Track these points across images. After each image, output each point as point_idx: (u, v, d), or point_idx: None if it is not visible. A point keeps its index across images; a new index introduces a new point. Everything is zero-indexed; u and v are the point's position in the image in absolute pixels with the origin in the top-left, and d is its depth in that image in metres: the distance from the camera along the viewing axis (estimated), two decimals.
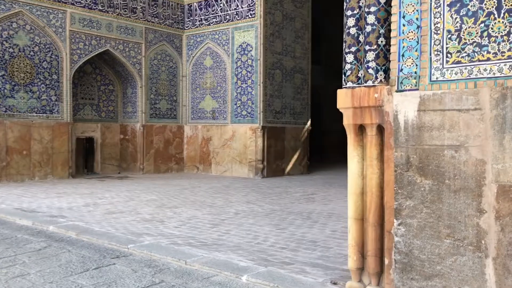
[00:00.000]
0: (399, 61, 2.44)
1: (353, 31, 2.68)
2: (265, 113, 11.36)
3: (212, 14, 12.26)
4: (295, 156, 12.36)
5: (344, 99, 2.70)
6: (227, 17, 11.92)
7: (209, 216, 5.84)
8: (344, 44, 2.75)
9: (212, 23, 12.27)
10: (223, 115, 12.12)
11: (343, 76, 2.75)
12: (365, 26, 2.60)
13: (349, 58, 2.69)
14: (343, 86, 2.76)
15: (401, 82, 2.44)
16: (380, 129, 2.61)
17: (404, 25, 2.42)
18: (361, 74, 2.65)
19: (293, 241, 4.48)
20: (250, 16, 11.46)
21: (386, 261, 2.51)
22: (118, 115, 12.47)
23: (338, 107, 2.77)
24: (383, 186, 2.56)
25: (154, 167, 12.29)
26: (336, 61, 19.58)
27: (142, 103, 12.05)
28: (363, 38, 2.63)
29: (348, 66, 2.71)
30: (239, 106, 11.71)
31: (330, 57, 17.59)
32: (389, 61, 2.54)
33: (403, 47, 2.43)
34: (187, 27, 12.88)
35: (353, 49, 2.68)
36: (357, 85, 2.67)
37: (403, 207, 2.38)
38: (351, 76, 2.69)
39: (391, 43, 2.49)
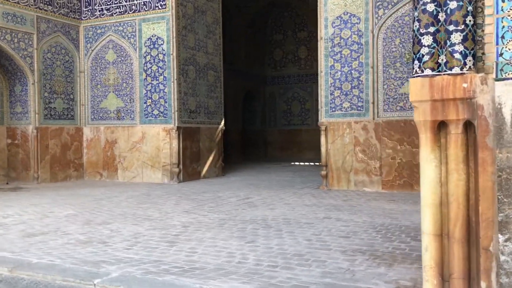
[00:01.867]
0: (497, 44, 2.07)
1: (430, 7, 2.24)
2: (179, 112, 10.57)
3: (115, 3, 11.09)
4: (211, 158, 11.74)
5: (419, 90, 2.26)
6: (133, 7, 10.87)
7: (156, 232, 5.03)
8: (417, 23, 2.30)
9: (115, 13, 11.11)
10: (130, 115, 11.04)
11: (415, 62, 2.30)
12: (447, 1, 2.19)
13: (427, 40, 2.25)
14: (415, 75, 2.32)
15: (501, 69, 2.07)
16: (466, 126, 2.22)
17: (503, 1, 2.05)
18: (442, 60, 2.23)
19: (276, 256, 3.94)
20: (160, 7, 10.56)
21: (483, 285, 2.12)
22: (4, 116, 10.71)
23: (411, 100, 2.32)
24: (470, 194, 2.18)
25: (50, 175, 10.77)
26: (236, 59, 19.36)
27: (35, 102, 10.47)
28: (444, 16, 2.21)
29: (425, 50, 2.26)
30: (150, 105, 10.75)
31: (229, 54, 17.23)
32: (477, 44, 2.15)
33: (503, 27, 2.06)
34: (84, 17, 11.51)
35: (431, 29, 2.24)
36: (437, 73, 2.24)
37: (511, 219, 2.01)
38: (430, 62, 2.25)
39: (486, 22, 2.11)
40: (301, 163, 16.29)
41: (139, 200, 7.65)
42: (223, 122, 12.29)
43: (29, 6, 10.25)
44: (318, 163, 16.01)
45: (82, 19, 11.49)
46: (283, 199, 7.49)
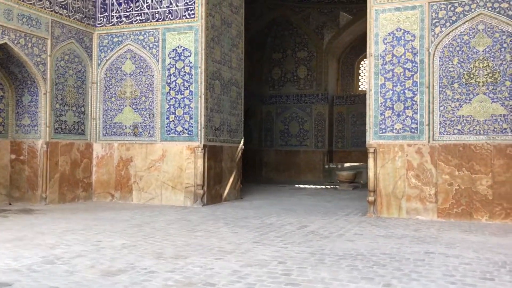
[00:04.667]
0: None
1: None
2: (205, 129, 9.79)
3: (136, 11, 10.29)
4: (231, 179, 10.95)
5: None
6: (157, 15, 10.10)
7: (257, 270, 4.24)
8: None
9: (135, 21, 10.30)
10: (149, 131, 10.16)
11: None
12: None
13: None
14: None
15: None
16: None
17: None
18: None
19: None
20: (188, 17, 9.84)
21: None
22: (9, 129, 9.62)
23: None
24: None
25: (58, 195, 9.70)
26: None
27: (46, 114, 9.46)
28: None
29: None
30: (173, 121, 9.92)
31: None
32: None
33: None
34: (99, 24, 10.64)
35: None
36: None
37: None
38: None
39: None
40: (307, 186, 15.70)
41: (183, 226, 6.79)
42: (242, 141, 11.57)
43: (45, 9, 9.33)
44: (326, 185, 15.53)
45: (96, 26, 10.61)
46: (344, 228, 6.81)
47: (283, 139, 19.24)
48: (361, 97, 19.08)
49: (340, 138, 19.61)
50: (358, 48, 19.63)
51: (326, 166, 18.28)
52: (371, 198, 8.35)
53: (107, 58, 10.56)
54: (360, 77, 20.49)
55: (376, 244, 5.52)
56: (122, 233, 6.11)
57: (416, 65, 8.17)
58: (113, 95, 10.52)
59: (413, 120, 8.15)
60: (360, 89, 20.10)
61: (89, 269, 4.18)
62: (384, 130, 8.32)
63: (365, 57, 19.63)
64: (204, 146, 9.69)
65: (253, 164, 19.31)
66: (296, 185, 15.93)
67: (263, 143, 19.53)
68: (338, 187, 15.01)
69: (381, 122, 8.35)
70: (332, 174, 18.04)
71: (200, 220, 7.51)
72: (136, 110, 10.30)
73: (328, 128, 18.65)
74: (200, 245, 5.36)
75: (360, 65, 20.29)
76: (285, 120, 19.26)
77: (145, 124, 10.20)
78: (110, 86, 10.54)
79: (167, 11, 10.01)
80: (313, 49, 19.07)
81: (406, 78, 8.21)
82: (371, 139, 8.40)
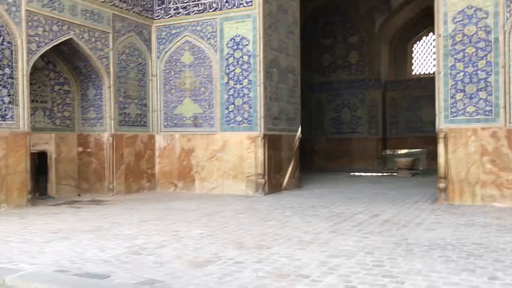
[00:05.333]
0: None
1: None
2: (265, 118, 9.71)
3: (192, 1, 10.30)
4: (290, 168, 10.85)
5: None
6: (214, 5, 10.07)
7: (347, 261, 4.13)
8: None
9: (192, 12, 10.30)
10: (209, 122, 10.20)
11: None
12: None
13: None
14: None
15: None
16: None
17: None
18: None
19: None
20: (245, 5, 9.74)
21: None
22: (76, 122, 9.91)
23: None
24: None
25: (125, 186, 9.93)
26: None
27: (111, 107, 9.66)
28: None
29: None
30: (232, 111, 9.90)
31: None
32: None
33: None
34: (157, 16, 10.73)
35: None
36: None
37: None
38: None
39: None
40: (362, 174, 15.39)
41: (253, 215, 6.77)
42: (299, 130, 11.42)
43: (106, 3, 9.48)
44: (382, 173, 15.15)
45: (154, 19, 10.71)
46: (419, 216, 6.57)
47: (334, 126, 18.90)
48: (415, 82, 18.46)
49: (394, 124, 19.03)
50: (411, 31, 18.97)
51: (383, 153, 17.85)
52: (442, 185, 8.03)
53: (166, 50, 10.64)
54: (413, 61, 19.79)
55: (461, 233, 5.28)
56: (195, 223, 6.14)
57: (489, 44, 7.73)
58: (173, 87, 10.61)
59: (487, 103, 7.75)
60: (413, 73, 19.42)
61: (176, 259, 4.20)
62: (455, 114, 7.96)
63: (418, 40, 18.99)
64: (264, 135, 9.63)
65: (304, 152, 19.11)
66: (351, 173, 15.64)
67: (314, 131, 19.24)
68: (396, 174, 14.63)
69: (451, 106, 7.98)
70: (388, 161, 17.62)
71: (267, 209, 7.46)
72: (195, 101, 10.35)
73: (382, 114, 18.16)
74: (277, 235, 5.30)
75: (413, 49, 19.58)
76: (336, 107, 18.89)
77: (205, 115, 10.23)
78: (170, 78, 10.63)
79: (224, 1, 9.95)
80: (364, 34, 18.55)
81: (479, 58, 7.79)
82: (441, 124, 8.06)
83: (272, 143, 9.93)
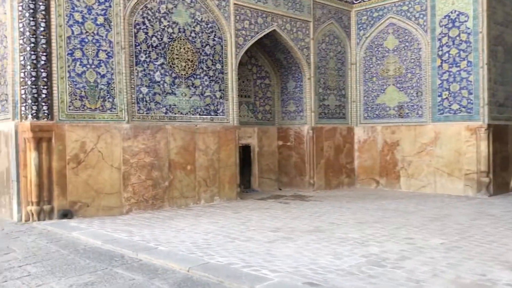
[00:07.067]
0: None
1: None
2: (490, 106, 8.23)
3: None
4: None
5: None
6: None
7: None
8: None
9: None
10: (417, 112, 9.10)
11: None
12: None
13: None
14: None
15: None
16: None
17: None
18: None
19: None
20: None
21: None
22: (275, 116, 9.79)
23: None
24: None
25: (324, 181, 9.48)
26: None
27: (311, 99, 9.28)
28: None
29: None
30: (447, 98, 8.64)
31: None
32: None
33: None
34: (356, 0, 10.00)
35: None
36: None
37: None
38: None
39: None
40: None
41: (494, 222, 5.57)
42: None
43: None
44: None
45: (354, 3, 10.00)
46: None
47: None
48: None
49: None
50: None
51: None
52: None
53: (367, 36, 9.86)
54: None
55: None
56: (425, 228, 5.25)
57: None
58: (374, 75, 9.78)
59: None
60: None
61: (434, 278, 3.40)
62: None
63: None
64: (488, 126, 8.17)
65: None
66: None
67: None
68: None
69: None
70: None
71: (507, 215, 6.15)
72: (401, 89, 9.35)
73: None
74: None
75: None
76: None
77: (412, 104, 9.17)
78: (371, 66, 9.82)
79: None
80: None
81: None
82: None
83: (497, 134, 8.40)
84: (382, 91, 9.65)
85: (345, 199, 7.96)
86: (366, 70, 9.91)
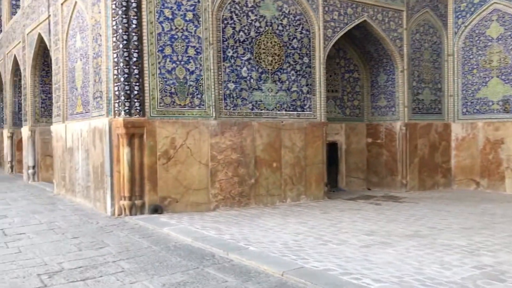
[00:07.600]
0: None
1: None
2: None
3: None
4: None
5: None
6: None
7: None
8: None
9: None
10: None
11: None
12: None
13: None
14: None
15: None
16: None
17: None
18: None
19: None
20: None
21: None
22: (364, 111, 9.32)
23: None
24: None
25: (418, 182, 8.87)
26: None
27: (404, 93, 8.72)
28: None
29: None
30: None
31: None
32: None
33: None
34: None
35: None
36: None
37: None
38: None
39: None
40: None
41: None
42: None
43: None
44: None
45: None
46: None
47: None
48: None
49: None
50: None
51: None
52: None
53: (466, 25, 9.07)
54: None
55: None
56: None
57: None
58: (475, 67, 8.98)
59: None
60: None
61: None
62: None
63: None
64: None
65: None
66: None
67: None
68: None
69: None
70: None
71: None
72: (506, 81, 8.50)
73: None
74: None
75: None
76: None
77: None
78: (471, 56, 9.03)
79: None
80: None
81: None
82: None
83: None
84: (484, 84, 8.83)
85: (443, 201, 7.36)
86: (465, 62, 9.13)
